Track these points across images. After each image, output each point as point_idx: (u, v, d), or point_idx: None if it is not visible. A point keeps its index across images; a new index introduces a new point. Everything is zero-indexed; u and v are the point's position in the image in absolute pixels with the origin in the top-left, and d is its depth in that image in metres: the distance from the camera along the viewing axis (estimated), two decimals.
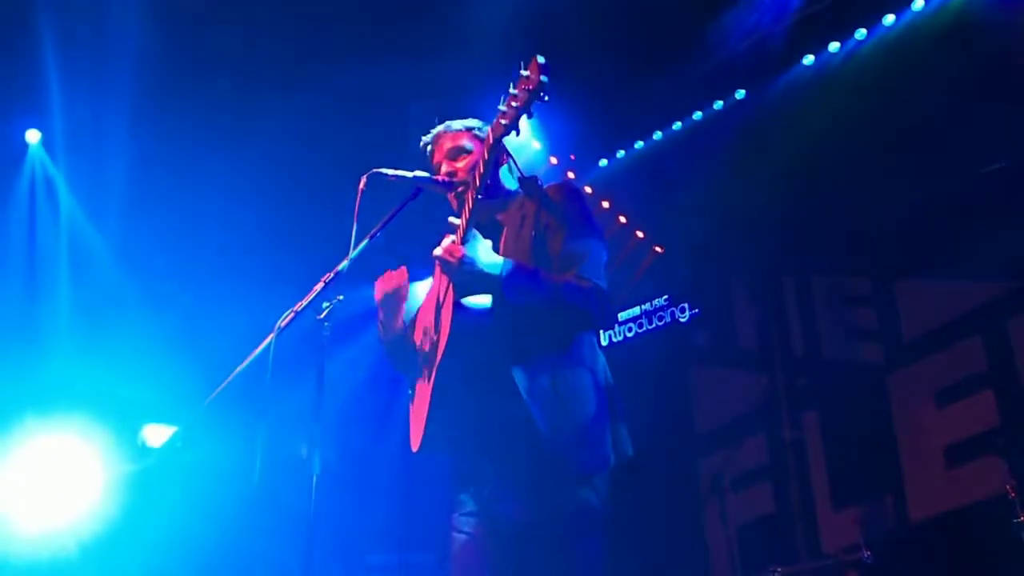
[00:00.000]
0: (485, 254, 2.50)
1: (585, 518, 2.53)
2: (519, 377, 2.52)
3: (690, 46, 6.24)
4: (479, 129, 2.90)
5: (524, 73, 2.30)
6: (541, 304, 2.50)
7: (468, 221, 2.51)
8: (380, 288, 2.94)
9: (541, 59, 2.27)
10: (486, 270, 2.47)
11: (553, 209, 2.69)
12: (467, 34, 5.76)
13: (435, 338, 2.66)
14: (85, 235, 7.16)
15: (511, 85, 2.34)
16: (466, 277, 2.48)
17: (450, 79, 5.83)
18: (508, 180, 2.89)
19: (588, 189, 7.45)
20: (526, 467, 2.53)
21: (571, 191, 2.80)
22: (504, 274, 2.47)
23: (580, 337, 2.68)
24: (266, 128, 6.57)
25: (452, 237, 2.53)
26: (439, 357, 2.56)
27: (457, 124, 2.93)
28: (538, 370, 2.55)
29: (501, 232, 2.77)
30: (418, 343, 2.88)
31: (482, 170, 2.51)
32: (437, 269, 2.88)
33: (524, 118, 2.33)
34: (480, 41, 5.74)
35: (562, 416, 2.52)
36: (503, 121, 2.39)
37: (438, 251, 2.52)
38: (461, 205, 2.69)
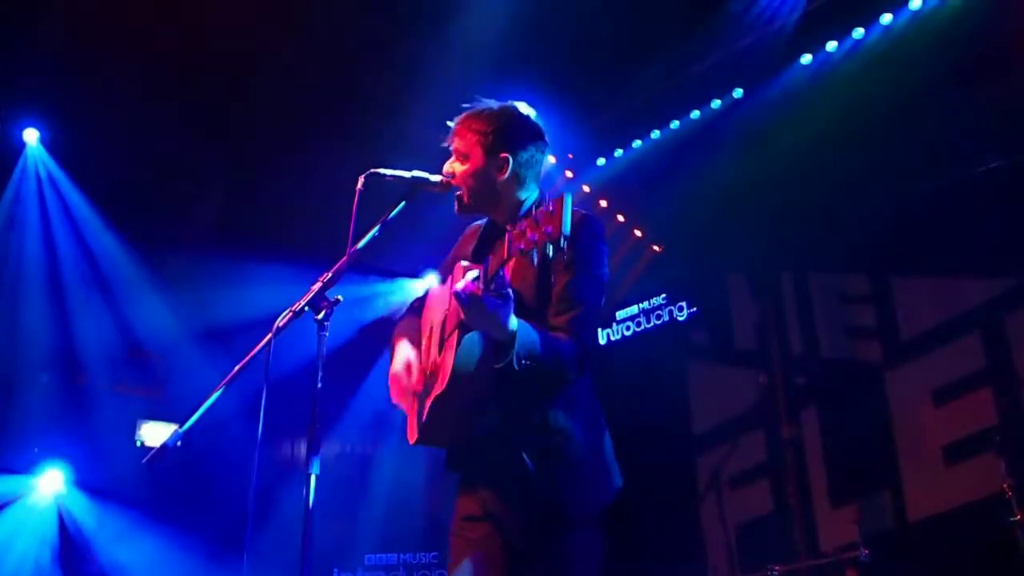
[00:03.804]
0: (507, 309, 2.38)
1: (578, 556, 2.53)
2: (511, 416, 2.54)
3: (688, 45, 6.24)
4: (485, 135, 2.77)
5: (549, 211, 2.15)
6: (537, 365, 2.43)
7: (499, 267, 2.37)
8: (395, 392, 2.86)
9: (569, 195, 2.15)
10: (501, 325, 2.37)
11: (570, 243, 2.58)
12: (465, 35, 5.76)
13: (439, 360, 2.64)
14: (91, 230, 7.17)
15: (531, 219, 2.20)
16: (481, 317, 2.37)
17: (447, 79, 5.83)
18: (518, 191, 2.80)
19: (586, 188, 7.45)
20: (516, 505, 2.55)
21: (592, 229, 2.68)
22: (518, 334, 2.40)
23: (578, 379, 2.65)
24: (271, 121, 6.59)
25: (476, 273, 2.41)
26: (437, 389, 2.55)
27: (477, 113, 2.82)
28: (531, 410, 2.55)
29: (503, 238, 2.73)
30: (422, 341, 2.87)
31: (494, 271, 2.36)
32: (454, 271, 2.86)
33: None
34: (479, 42, 5.75)
35: (551, 457, 2.53)
36: (520, 246, 2.22)
37: (459, 286, 2.38)
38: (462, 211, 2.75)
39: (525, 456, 2.52)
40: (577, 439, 2.58)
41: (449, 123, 2.87)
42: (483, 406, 2.55)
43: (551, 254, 2.21)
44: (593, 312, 2.63)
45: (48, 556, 6.95)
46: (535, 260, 2.34)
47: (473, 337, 2.52)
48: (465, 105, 2.87)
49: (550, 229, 2.14)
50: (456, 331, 2.55)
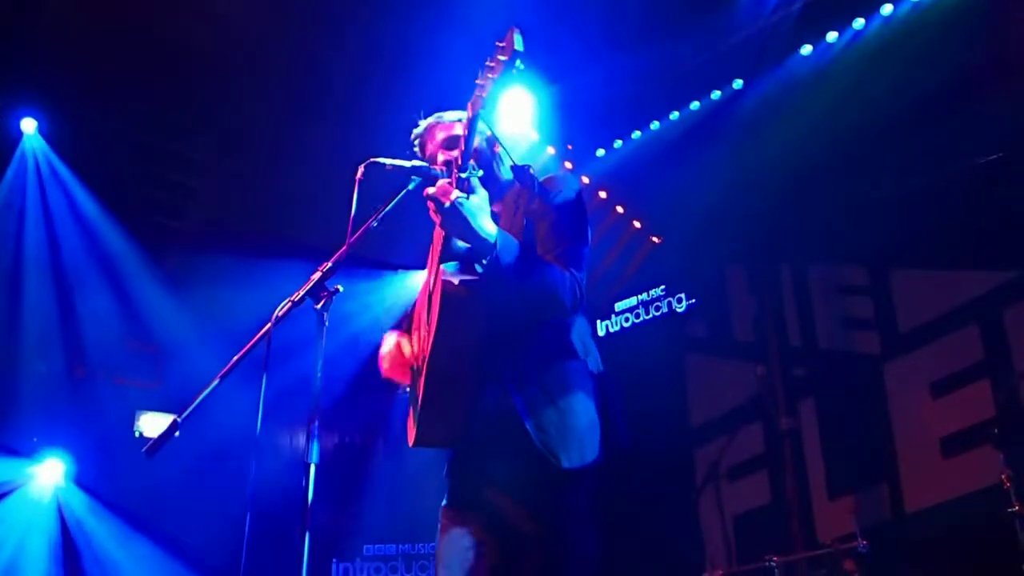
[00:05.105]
0: (480, 207, 2.44)
1: (574, 515, 2.50)
2: (506, 369, 2.51)
3: (688, 36, 6.23)
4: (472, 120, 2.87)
5: (500, 44, 2.31)
6: (527, 277, 2.46)
7: (457, 179, 2.47)
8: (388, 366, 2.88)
9: (516, 29, 2.27)
10: (480, 220, 2.42)
11: (545, 197, 2.68)
12: (460, 27, 5.74)
13: (428, 328, 2.65)
14: (90, 220, 7.17)
15: (488, 59, 2.34)
16: (457, 219, 2.40)
17: (444, 70, 5.81)
18: (503, 169, 2.87)
19: (585, 179, 7.44)
20: (514, 462, 2.51)
21: (565, 182, 2.77)
22: (497, 232, 2.44)
23: (571, 328, 2.65)
24: (269, 112, 6.58)
25: (446, 179, 2.49)
26: (429, 347, 2.55)
27: (449, 115, 2.89)
28: (524, 359, 2.54)
29: (496, 222, 2.76)
30: (415, 337, 2.88)
31: (463, 147, 2.48)
32: (430, 262, 2.87)
33: (505, 93, 2.32)
34: (474, 33, 5.72)
35: (549, 411, 2.50)
36: (481, 94, 2.38)
37: (431, 190, 2.45)
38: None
39: (517, 401, 2.48)
40: (577, 393, 2.55)
41: (415, 131, 2.91)
42: (475, 353, 2.50)
43: (533, 212, 2.44)
44: (580, 248, 2.65)
45: (45, 549, 6.96)
46: (522, 223, 2.42)
47: (456, 265, 2.52)
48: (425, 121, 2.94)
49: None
50: (440, 267, 2.55)
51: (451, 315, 2.49)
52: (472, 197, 2.42)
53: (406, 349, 2.86)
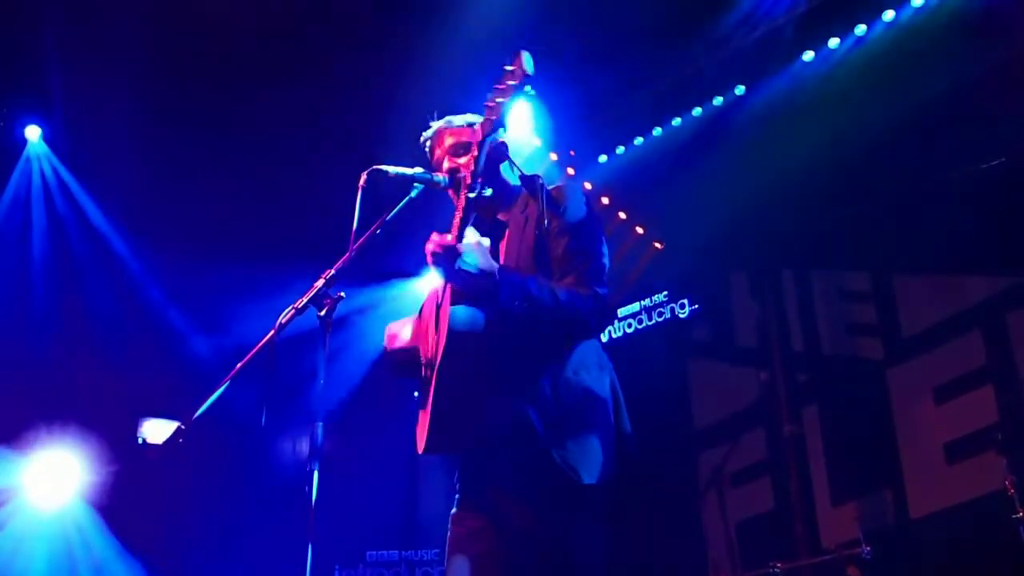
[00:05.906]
0: (481, 253, 2.44)
1: (590, 527, 2.51)
2: (519, 381, 2.51)
3: (690, 42, 6.24)
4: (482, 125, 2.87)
5: (509, 68, 2.30)
6: (538, 311, 2.45)
7: (462, 219, 2.46)
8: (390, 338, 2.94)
9: (526, 53, 2.27)
10: (480, 268, 2.40)
11: (557, 210, 2.66)
12: (464, 30, 5.76)
13: (436, 337, 2.65)
14: (93, 227, 7.18)
15: (498, 81, 2.34)
16: (458, 273, 2.40)
17: (447, 76, 5.83)
18: (511, 178, 2.86)
19: (588, 185, 7.45)
20: (533, 476, 2.51)
21: (575, 192, 2.76)
22: (499, 276, 2.42)
23: (584, 341, 2.65)
24: (271, 118, 6.60)
25: (445, 236, 2.47)
26: (439, 358, 2.54)
27: (458, 120, 2.89)
28: (539, 375, 2.53)
29: (504, 231, 2.75)
30: (422, 344, 2.88)
31: (473, 167, 2.47)
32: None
33: (514, 113, 2.31)
34: (478, 36, 5.74)
35: (563, 423, 2.50)
36: (491, 117, 2.37)
37: (430, 245, 2.45)
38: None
39: (533, 417, 2.48)
40: (590, 405, 2.56)
41: (425, 134, 2.91)
42: (488, 368, 2.50)
43: (544, 227, 2.45)
44: (599, 263, 2.64)
45: (45, 554, 6.96)
46: (532, 237, 2.42)
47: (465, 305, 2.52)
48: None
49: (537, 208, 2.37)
50: (449, 286, 2.55)
51: (460, 339, 2.48)
52: (467, 246, 2.40)
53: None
